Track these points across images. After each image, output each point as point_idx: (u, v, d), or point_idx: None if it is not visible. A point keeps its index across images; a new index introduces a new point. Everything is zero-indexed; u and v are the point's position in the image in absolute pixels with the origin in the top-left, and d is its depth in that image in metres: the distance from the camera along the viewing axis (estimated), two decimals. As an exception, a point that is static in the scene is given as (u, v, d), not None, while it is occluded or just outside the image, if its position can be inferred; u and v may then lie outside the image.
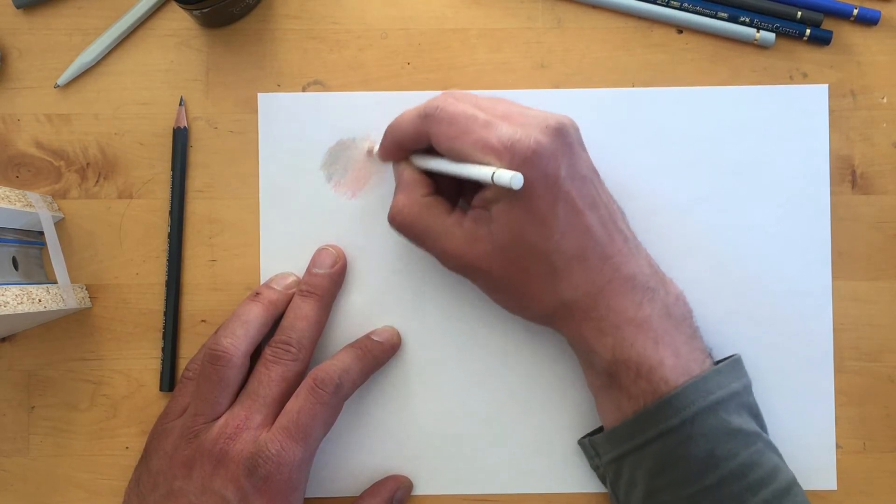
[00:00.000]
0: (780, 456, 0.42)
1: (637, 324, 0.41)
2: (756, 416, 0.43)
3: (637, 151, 0.47)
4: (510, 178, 0.37)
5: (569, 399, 0.47)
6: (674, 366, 0.41)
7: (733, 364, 0.43)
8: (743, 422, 0.41)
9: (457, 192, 0.45)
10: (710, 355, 0.43)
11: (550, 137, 0.39)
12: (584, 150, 0.42)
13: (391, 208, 0.43)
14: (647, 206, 0.47)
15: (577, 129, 0.42)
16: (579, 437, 0.46)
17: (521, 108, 0.42)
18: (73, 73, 0.47)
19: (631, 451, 0.41)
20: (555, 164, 0.39)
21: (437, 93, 0.47)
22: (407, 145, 0.43)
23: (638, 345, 0.41)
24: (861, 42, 0.48)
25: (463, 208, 0.43)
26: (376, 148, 0.45)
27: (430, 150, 0.42)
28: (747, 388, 0.43)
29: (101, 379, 0.47)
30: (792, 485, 0.41)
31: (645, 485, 0.41)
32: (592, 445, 0.45)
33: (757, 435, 0.41)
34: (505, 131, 0.39)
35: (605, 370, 0.42)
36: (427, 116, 0.41)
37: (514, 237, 0.40)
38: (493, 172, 0.38)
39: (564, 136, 0.40)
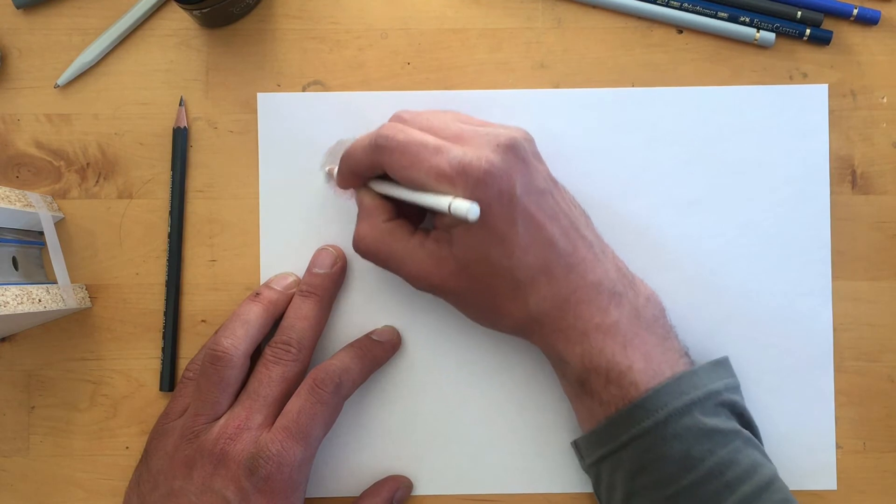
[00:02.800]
0: (761, 452, 0.42)
1: (605, 330, 0.41)
2: (739, 414, 0.42)
3: (637, 151, 0.47)
4: (466, 209, 0.37)
5: (568, 399, 0.47)
6: (644, 369, 0.40)
7: (714, 364, 0.43)
8: (720, 421, 0.41)
9: (420, 211, 0.45)
10: (686, 354, 0.43)
11: (502, 155, 0.39)
12: (540, 161, 0.42)
13: (354, 236, 0.43)
14: (646, 206, 0.47)
15: (530, 141, 0.41)
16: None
17: (473, 125, 0.42)
18: (73, 73, 0.47)
19: (606, 456, 0.42)
20: (509, 181, 0.39)
21: (438, 93, 0.47)
22: (363, 174, 0.43)
23: (607, 351, 0.41)
24: (861, 42, 0.48)
25: (426, 228, 0.43)
26: (335, 170, 0.45)
27: (389, 176, 0.42)
28: (729, 388, 0.42)
29: (101, 379, 0.47)
30: (772, 480, 0.41)
31: (624, 487, 0.41)
32: (576, 448, 0.45)
33: (735, 433, 0.41)
34: (456, 154, 0.39)
35: (576, 378, 0.42)
36: (378, 147, 0.41)
37: (476, 257, 0.40)
38: (450, 203, 0.38)
39: (517, 152, 0.40)
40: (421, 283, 0.43)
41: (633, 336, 0.41)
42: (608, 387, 0.41)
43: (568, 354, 0.41)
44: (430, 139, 0.40)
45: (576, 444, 0.45)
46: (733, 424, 0.41)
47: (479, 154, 0.39)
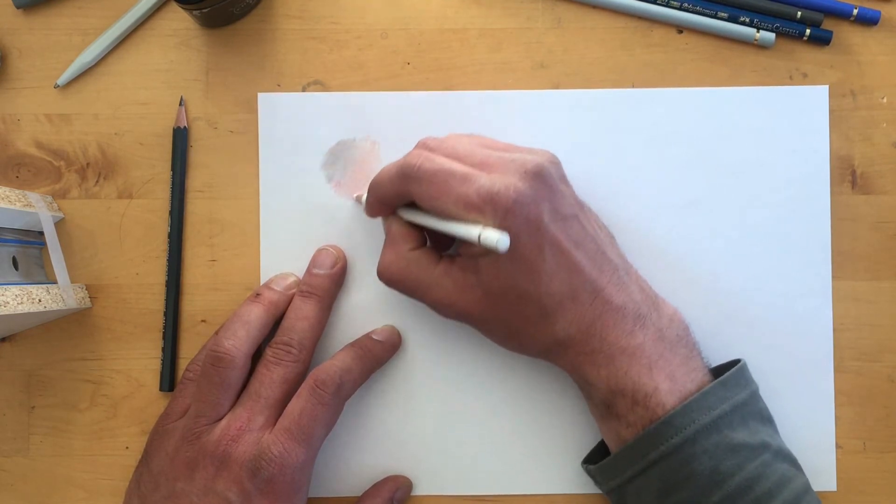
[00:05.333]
0: (792, 462, 0.42)
1: (630, 352, 0.41)
2: (767, 420, 0.43)
3: (637, 152, 0.47)
4: (496, 240, 0.37)
5: (570, 399, 0.47)
6: (669, 390, 0.41)
7: (737, 374, 0.42)
8: (747, 434, 0.41)
9: (449, 237, 0.44)
10: (708, 373, 0.43)
11: (529, 182, 0.39)
12: (567, 184, 0.42)
13: (379, 265, 0.43)
14: (646, 207, 0.47)
15: (557, 166, 0.41)
16: (579, 439, 0.46)
17: (499, 151, 0.41)
18: (73, 73, 0.47)
19: (634, 476, 0.41)
20: (536, 210, 0.39)
21: (438, 93, 0.47)
22: (390, 203, 0.43)
23: (632, 373, 0.41)
24: (861, 42, 0.48)
25: (452, 255, 0.43)
26: (364, 196, 0.45)
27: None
28: (754, 395, 0.43)
29: (101, 379, 0.47)
30: (802, 493, 0.41)
31: None
32: (591, 475, 0.45)
33: (763, 446, 0.41)
34: (484, 183, 0.39)
35: (602, 401, 0.42)
36: (406, 177, 0.41)
37: (503, 285, 0.40)
38: (480, 234, 0.37)
39: (544, 179, 0.40)
40: (446, 310, 0.43)
41: (657, 357, 0.41)
42: (635, 408, 0.41)
43: (593, 377, 0.42)
44: (457, 167, 0.40)
45: (589, 471, 0.44)
46: (761, 437, 0.41)
47: (506, 182, 0.39)
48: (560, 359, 0.43)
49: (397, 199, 0.42)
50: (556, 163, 0.41)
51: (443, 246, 0.45)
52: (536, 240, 0.39)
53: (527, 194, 0.39)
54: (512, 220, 0.38)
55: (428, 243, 0.44)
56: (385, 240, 0.44)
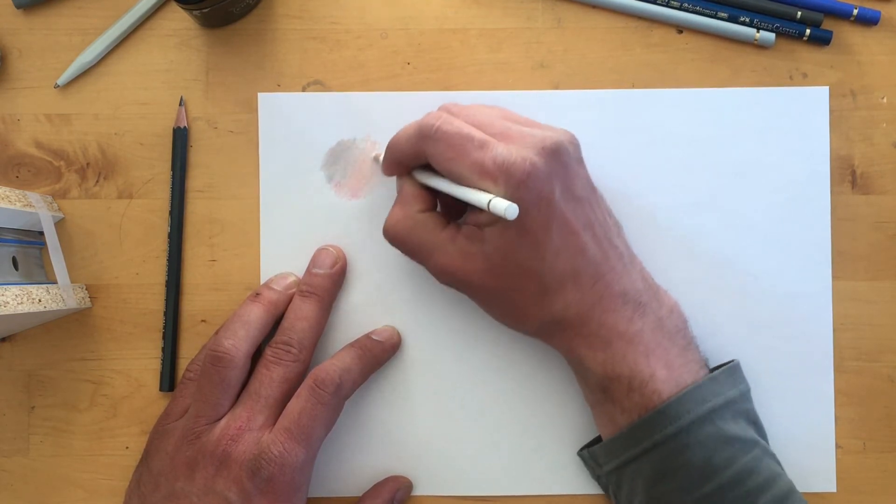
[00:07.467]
0: (778, 463, 0.42)
1: (628, 338, 0.41)
2: (754, 422, 0.43)
3: (637, 153, 0.47)
4: (505, 208, 0.37)
5: (570, 400, 0.47)
6: (666, 378, 0.41)
7: (730, 371, 0.43)
8: (740, 429, 0.41)
9: (460, 206, 0.44)
10: (705, 365, 0.43)
11: (545, 158, 0.39)
12: (582, 166, 0.42)
13: (386, 221, 0.43)
14: (646, 208, 0.47)
15: (575, 146, 0.41)
16: (579, 439, 0.46)
17: (520, 124, 0.42)
18: (73, 73, 0.47)
19: (629, 462, 0.42)
20: (549, 186, 0.39)
21: (438, 93, 0.47)
22: (407, 162, 0.43)
23: (629, 359, 0.41)
24: (861, 42, 0.48)
25: (459, 223, 0.43)
26: (382, 156, 0.45)
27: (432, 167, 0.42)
28: (745, 395, 0.43)
29: (101, 379, 0.47)
30: (790, 492, 0.41)
31: (645, 494, 0.41)
32: (592, 456, 0.45)
33: (754, 442, 0.41)
34: (500, 153, 0.39)
35: (598, 385, 0.42)
36: (423, 136, 0.41)
37: (507, 257, 0.40)
38: (490, 200, 0.38)
39: (560, 157, 0.40)
40: (446, 277, 0.42)
41: (655, 346, 0.41)
42: (630, 394, 0.41)
43: (590, 361, 0.42)
44: (475, 133, 0.40)
45: (591, 452, 0.44)
46: (752, 433, 0.42)
47: (523, 155, 0.39)
48: (556, 339, 0.43)
49: (413, 158, 0.42)
50: (575, 143, 0.41)
51: (453, 214, 0.44)
52: (545, 216, 0.39)
53: (541, 169, 0.39)
54: (524, 192, 0.38)
55: (438, 208, 0.44)
56: (396, 199, 0.44)
